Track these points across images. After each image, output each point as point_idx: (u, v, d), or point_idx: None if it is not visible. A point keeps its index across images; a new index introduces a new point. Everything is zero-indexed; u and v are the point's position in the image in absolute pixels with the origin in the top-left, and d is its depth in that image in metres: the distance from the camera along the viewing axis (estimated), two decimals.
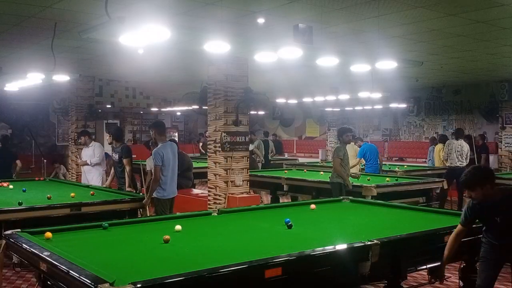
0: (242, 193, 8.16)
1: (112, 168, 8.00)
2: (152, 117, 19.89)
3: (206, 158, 8.83)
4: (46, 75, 8.21)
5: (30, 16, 6.58)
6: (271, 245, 3.66)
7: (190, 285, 2.70)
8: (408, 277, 3.87)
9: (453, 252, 3.86)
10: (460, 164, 10.50)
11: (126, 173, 7.50)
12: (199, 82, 11.51)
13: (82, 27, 6.55)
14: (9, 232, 3.83)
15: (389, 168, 11.74)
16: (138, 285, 2.53)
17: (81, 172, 9.81)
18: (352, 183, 7.46)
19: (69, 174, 12.80)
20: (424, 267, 3.93)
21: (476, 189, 3.65)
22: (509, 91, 13.77)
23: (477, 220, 3.88)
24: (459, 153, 10.48)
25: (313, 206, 5.39)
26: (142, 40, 4.67)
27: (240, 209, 5.49)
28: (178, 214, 5.37)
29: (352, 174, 7.89)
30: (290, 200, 8.81)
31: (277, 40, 5.80)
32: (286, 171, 10.85)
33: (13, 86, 10.11)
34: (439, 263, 4.01)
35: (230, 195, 7.99)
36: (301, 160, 16.33)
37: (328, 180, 8.39)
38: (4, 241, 3.86)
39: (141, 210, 6.25)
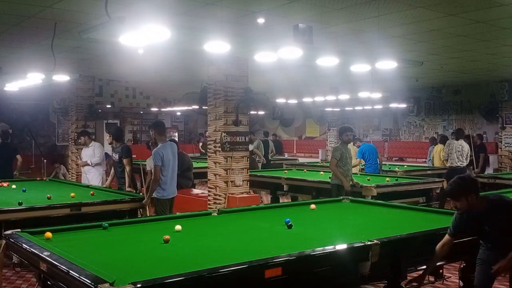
0: (242, 193, 8.16)
1: (112, 168, 8.00)
2: (152, 117, 19.89)
3: (206, 158, 8.83)
4: (46, 75, 8.21)
5: (30, 16, 6.58)
6: (271, 245, 3.67)
7: (190, 285, 2.70)
8: (408, 277, 3.86)
9: (438, 261, 3.89)
10: (461, 164, 10.50)
11: (126, 173, 7.50)
12: (199, 82, 11.51)
13: (82, 27, 6.55)
14: (9, 232, 3.83)
15: (389, 168, 11.74)
16: (138, 285, 2.53)
17: (81, 172, 9.81)
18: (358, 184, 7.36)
19: (69, 174, 12.80)
20: (424, 267, 3.92)
21: (461, 199, 3.65)
22: (509, 91, 13.77)
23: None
24: (460, 153, 10.48)
25: (313, 206, 5.39)
26: (142, 40, 4.67)
27: (240, 209, 5.49)
28: (178, 214, 5.37)
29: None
30: (290, 200, 8.81)
31: (277, 40, 5.80)
32: (286, 171, 10.85)
33: (13, 86, 10.11)
34: (439, 263, 4.02)
35: (230, 195, 7.99)
36: (301, 160, 16.33)
37: (328, 181, 8.42)
38: (4, 241, 3.86)
39: (141, 210, 6.25)
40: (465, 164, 10.60)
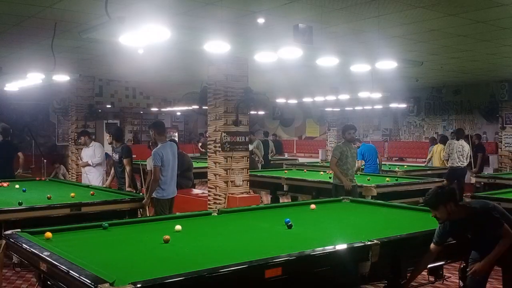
0: (242, 193, 8.16)
1: (112, 168, 8.00)
2: (152, 117, 19.90)
3: (206, 158, 8.83)
4: (46, 75, 8.21)
5: (30, 16, 6.58)
6: (271, 245, 3.66)
7: (190, 285, 2.70)
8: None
9: (423, 270, 3.91)
10: (462, 164, 10.51)
11: (126, 173, 7.50)
12: (199, 82, 11.51)
13: (82, 27, 6.55)
14: (9, 232, 3.83)
15: (389, 168, 11.74)
16: (138, 285, 2.53)
17: (81, 172, 9.80)
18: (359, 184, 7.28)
19: (69, 174, 12.79)
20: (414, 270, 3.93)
21: (440, 207, 3.68)
22: (509, 91, 13.77)
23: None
24: (460, 153, 10.49)
25: (313, 206, 5.39)
26: (142, 40, 4.67)
27: (240, 209, 5.49)
28: (178, 214, 5.37)
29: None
30: (290, 200, 8.81)
31: (277, 40, 5.80)
32: (286, 171, 10.85)
33: (13, 86, 10.11)
34: (439, 263, 4.02)
35: (230, 195, 7.99)
36: (301, 160, 16.33)
37: (328, 180, 8.41)
38: (4, 241, 3.86)
39: (141, 210, 6.25)
40: (465, 164, 10.60)
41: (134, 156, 8.31)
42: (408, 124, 17.02)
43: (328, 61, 6.15)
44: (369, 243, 3.46)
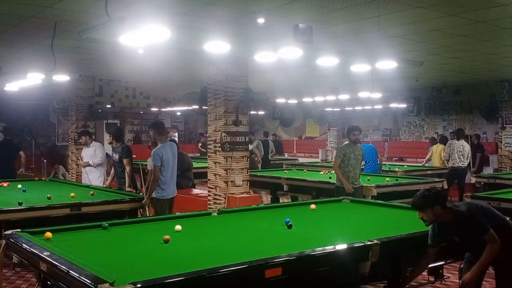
0: (242, 193, 8.16)
1: (112, 168, 7.99)
2: (152, 117, 19.90)
3: (206, 158, 8.83)
4: (46, 75, 8.21)
5: (30, 16, 6.58)
6: (271, 245, 3.66)
7: (190, 285, 2.70)
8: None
9: (421, 271, 3.91)
10: (462, 165, 10.52)
11: (126, 173, 7.50)
12: (199, 82, 11.51)
13: (82, 27, 6.55)
14: (9, 232, 3.83)
15: (389, 168, 11.74)
16: (138, 285, 2.53)
17: (81, 172, 9.77)
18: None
19: (69, 174, 12.79)
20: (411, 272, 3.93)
21: (426, 210, 3.69)
22: (509, 91, 13.76)
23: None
24: (461, 153, 10.49)
25: (313, 206, 5.39)
26: (142, 40, 4.67)
27: (240, 209, 5.49)
28: (178, 214, 5.37)
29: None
30: (290, 200, 8.81)
31: (277, 40, 5.80)
32: (286, 171, 10.85)
33: (13, 86, 10.10)
34: (439, 263, 4.02)
35: (230, 195, 7.99)
36: (301, 160, 16.33)
37: (328, 180, 8.42)
38: (4, 241, 3.86)
39: (141, 210, 6.25)
40: (466, 164, 10.61)
41: (134, 156, 8.30)
42: (408, 124, 17.02)
43: (328, 61, 6.15)
44: (369, 243, 3.46)
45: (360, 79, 11.02)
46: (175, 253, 3.44)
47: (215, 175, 8.17)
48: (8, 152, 9.28)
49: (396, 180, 8.74)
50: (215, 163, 8.15)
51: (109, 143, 8.15)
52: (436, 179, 8.98)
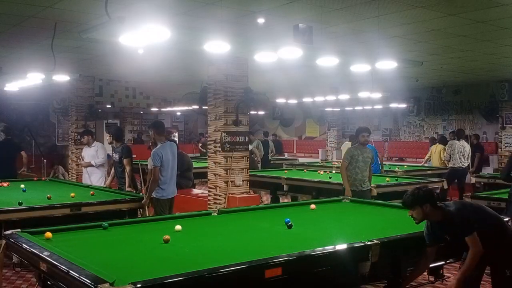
0: (242, 193, 8.16)
1: (112, 168, 7.98)
2: (152, 117, 19.90)
3: (206, 158, 8.83)
4: (46, 75, 8.20)
5: (30, 16, 6.58)
6: (271, 245, 3.66)
7: (190, 285, 2.70)
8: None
9: (422, 272, 3.90)
10: (463, 165, 10.52)
11: (126, 173, 7.49)
12: (199, 82, 11.51)
13: (82, 27, 6.55)
14: (9, 232, 3.83)
15: (389, 168, 11.74)
16: (138, 285, 2.53)
17: (81, 172, 9.75)
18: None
19: (69, 174, 12.79)
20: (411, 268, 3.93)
21: (416, 208, 3.70)
22: (509, 91, 13.76)
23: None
24: (462, 153, 10.50)
25: (313, 206, 5.39)
26: (142, 40, 4.67)
27: (240, 209, 5.49)
28: (178, 214, 5.37)
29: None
30: (290, 200, 8.81)
31: (277, 40, 5.79)
32: (286, 171, 10.85)
33: (13, 86, 10.10)
34: (439, 263, 4.02)
35: (230, 195, 7.99)
36: (301, 160, 16.33)
37: (328, 180, 8.41)
38: (4, 241, 3.86)
39: (141, 210, 6.25)
40: (466, 164, 10.62)
41: (134, 156, 8.29)
42: (408, 124, 17.01)
43: (328, 61, 6.15)
44: (369, 243, 3.46)
45: (360, 79, 11.02)
46: (175, 253, 3.44)
47: (215, 175, 8.17)
48: (8, 151, 9.27)
49: (396, 180, 8.74)
50: (215, 163, 8.15)
51: (109, 143, 8.14)
52: (436, 179, 8.98)
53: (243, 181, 8.20)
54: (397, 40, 8.00)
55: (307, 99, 15.64)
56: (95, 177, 8.41)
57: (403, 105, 15.58)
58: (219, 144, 8.01)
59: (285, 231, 4.11)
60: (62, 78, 8.50)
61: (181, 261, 3.19)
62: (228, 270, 2.84)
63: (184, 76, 12.63)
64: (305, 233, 4.12)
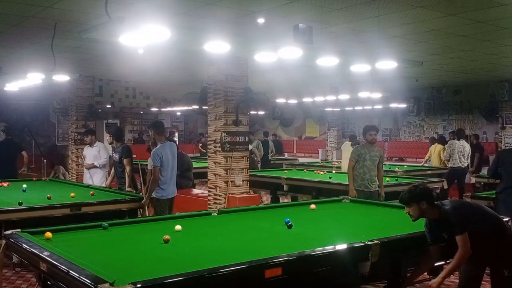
0: (242, 193, 8.16)
1: (112, 168, 7.98)
2: (152, 117, 19.89)
3: (206, 158, 8.83)
4: (46, 75, 8.20)
5: (30, 16, 6.58)
6: (271, 245, 3.66)
7: (190, 285, 2.70)
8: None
9: (426, 270, 3.90)
10: (462, 165, 10.51)
11: (126, 173, 7.49)
12: (199, 82, 11.51)
13: (82, 27, 6.55)
14: (9, 232, 3.83)
15: (389, 168, 11.73)
16: (138, 285, 2.53)
17: (81, 172, 9.73)
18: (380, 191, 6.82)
19: (69, 174, 12.79)
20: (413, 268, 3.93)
21: (413, 205, 3.73)
22: (509, 91, 13.76)
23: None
24: (462, 153, 10.49)
25: (313, 206, 5.39)
26: (142, 40, 4.66)
27: (240, 209, 5.49)
28: (178, 214, 5.37)
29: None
30: (290, 200, 8.81)
31: (277, 40, 5.79)
32: (286, 171, 10.85)
33: (13, 86, 10.10)
34: (439, 263, 4.02)
35: (230, 195, 7.99)
36: (301, 160, 16.33)
37: (328, 180, 8.41)
38: (4, 241, 3.86)
39: (141, 210, 6.25)
40: (466, 164, 10.61)
41: (134, 156, 8.29)
42: (408, 124, 17.02)
43: (328, 61, 6.14)
44: (369, 243, 3.46)
45: (360, 79, 11.02)
46: (175, 253, 3.44)
47: (215, 175, 8.17)
48: (9, 151, 9.27)
49: (396, 180, 8.74)
50: (215, 163, 8.16)
51: (109, 143, 8.13)
52: (436, 179, 8.98)
53: (243, 181, 8.20)
54: (397, 40, 8.00)
55: (307, 99, 15.64)
56: (97, 177, 8.39)
57: (403, 105, 15.59)
58: (219, 144, 8.01)
59: (285, 231, 4.11)
60: (62, 78, 8.50)
61: (181, 261, 3.19)
62: (228, 270, 2.84)
63: (184, 76, 12.63)
64: (305, 233, 4.12)
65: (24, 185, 7.15)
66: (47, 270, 3.08)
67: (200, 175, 10.92)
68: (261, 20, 6.70)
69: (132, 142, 19.72)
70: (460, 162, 10.48)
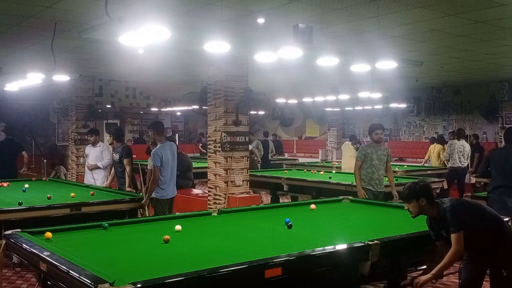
0: (242, 193, 8.16)
1: (113, 168, 7.97)
2: (152, 117, 19.90)
3: (206, 158, 8.83)
4: (46, 75, 8.18)
5: (30, 16, 6.58)
6: (271, 245, 3.66)
7: (190, 285, 2.70)
8: (408, 277, 3.86)
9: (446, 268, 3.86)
10: (462, 165, 10.51)
11: (126, 173, 7.49)
12: (199, 82, 11.52)
13: (82, 27, 6.55)
14: (9, 232, 3.83)
15: None
16: (138, 285, 2.53)
17: (81, 172, 9.72)
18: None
19: (69, 174, 12.79)
20: (424, 267, 3.92)
21: (412, 202, 3.75)
22: (509, 91, 13.77)
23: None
24: (461, 153, 10.49)
25: (313, 206, 5.39)
26: (142, 40, 4.66)
27: (240, 209, 5.49)
28: (178, 214, 5.37)
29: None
30: (290, 200, 8.81)
31: (277, 40, 5.78)
32: (286, 171, 10.85)
33: (13, 86, 10.08)
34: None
35: (230, 195, 7.99)
36: (301, 160, 16.33)
37: (328, 180, 8.41)
38: (4, 241, 3.86)
39: (141, 210, 6.25)
40: (466, 164, 10.61)
41: (134, 156, 8.28)
42: (408, 124, 17.02)
43: (328, 61, 6.13)
44: (369, 243, 3.46)
45: (360, 79, 11.01)
46: (175, 253, 3.44)
47: (215, 175, 8.17)
48: (9, 151, 9.27)
49: (396, 180, 8.72)
50: (215, 163, 8.15)
51: (109, 144, 8.13)
52: (436, 179, 8.98)
53: (243, 181, 8.20)
54: (397, 40, 8.00)
55: (307, 99, 15.64)
56: (98, 177, 8.36)
57: (403, 105, 15.58)
58: (219, 144, 8.01)
59: (285, 231, 4.11)
60: (62, 78, 8.48)
61: (181, 261, 3.19)
62: (228, 270, 2.84)
63: (184, 76, 12.63)
64: (305, 233, 4.12)
65: (26, 185, 7.15)
66: (47, 270, 3.07)
67: (200, 175, 10.92)
68: (261, 20, 6.70)
69: (132, 142, 19.72)
70: (460, 162, 10.48)
